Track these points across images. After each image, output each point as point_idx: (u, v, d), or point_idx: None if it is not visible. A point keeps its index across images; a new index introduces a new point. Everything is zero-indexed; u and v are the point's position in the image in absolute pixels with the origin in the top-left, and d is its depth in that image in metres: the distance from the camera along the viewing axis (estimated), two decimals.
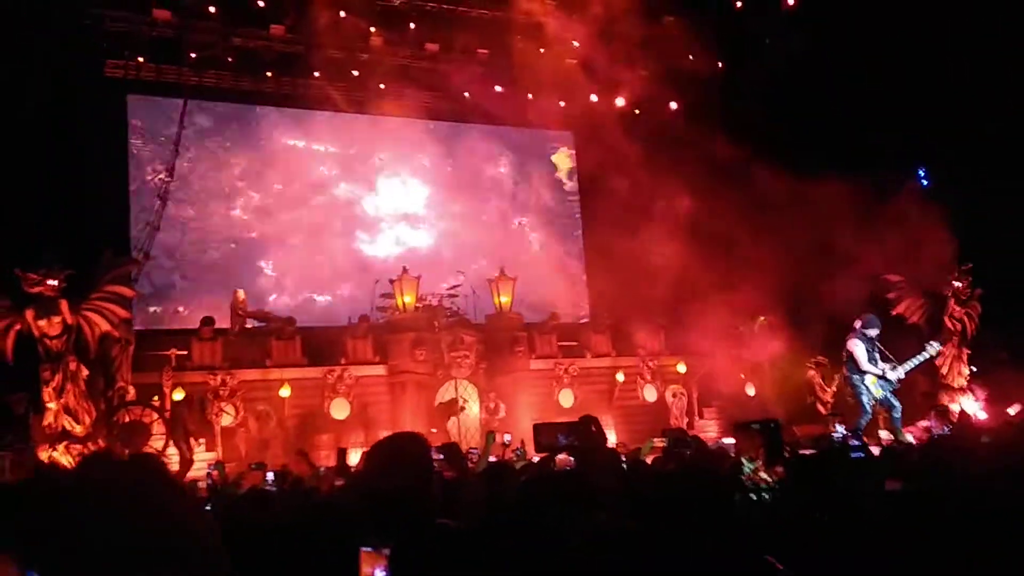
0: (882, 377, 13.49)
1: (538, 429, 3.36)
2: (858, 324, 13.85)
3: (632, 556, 2.77)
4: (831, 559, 2.81)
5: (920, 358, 13.67)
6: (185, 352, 15.27)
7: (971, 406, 15.11)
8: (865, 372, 13.52)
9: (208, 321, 15.78)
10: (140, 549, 1.08)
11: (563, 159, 22.54)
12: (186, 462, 12.99)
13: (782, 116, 16.95)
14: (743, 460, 2.88)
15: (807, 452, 6.09)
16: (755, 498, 2.83)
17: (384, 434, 3.00)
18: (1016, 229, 14.33)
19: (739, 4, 17.94)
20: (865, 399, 13.72)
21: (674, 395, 17.67)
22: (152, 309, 17.81)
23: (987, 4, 14.47)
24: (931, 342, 13.95)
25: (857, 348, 13.76)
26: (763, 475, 2.85)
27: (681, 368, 17.83)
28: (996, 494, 2.61)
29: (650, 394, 17.62)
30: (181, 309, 17.88)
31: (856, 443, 10.16)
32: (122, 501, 1.11)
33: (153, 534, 1.10)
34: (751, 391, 17.01)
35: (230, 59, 17.96)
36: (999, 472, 2.76)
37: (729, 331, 17.55)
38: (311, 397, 15.37)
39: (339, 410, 15.35)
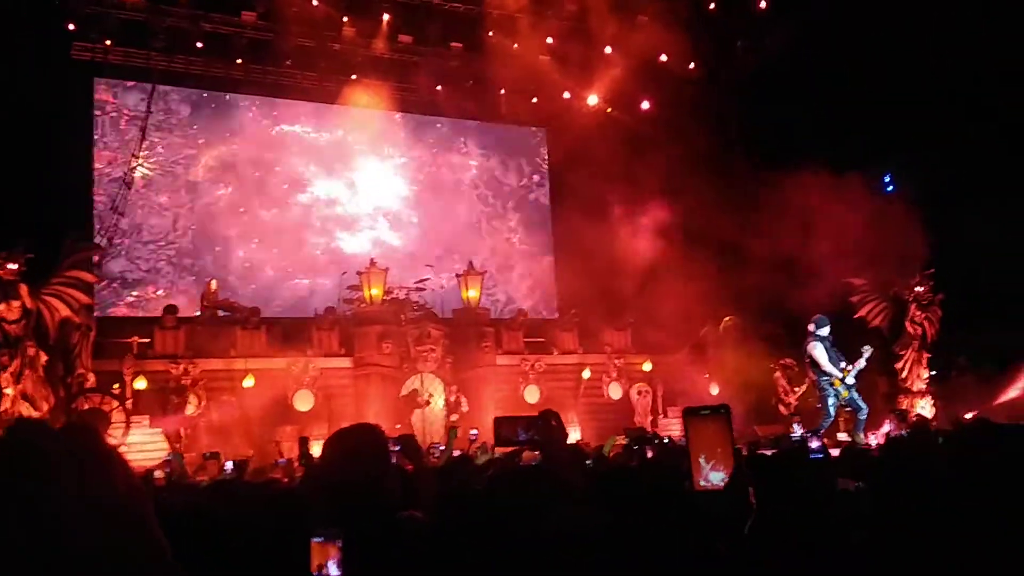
0: (843, 379, 13.69)
1: (499, 423, 3.35)
2: (811, 327, 14.07)
3: (596, 549, 2.78)
4: (785, 554, 2.83)
5: (861, 363, 13.92)
6: (147, 340, 15.09)
7: (929, 409, 15.38)
8: (829, 374, 13.71)
9: (171, 309, 15.61)
10: (69, 533, 1.00)
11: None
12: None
13: (755, 116, 17.09)
14: (700, 460, 2.87)
15: (766, 452, 6.15)
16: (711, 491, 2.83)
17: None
18: (980, 235, 14.56)
19: (712, 6, 18.02)
20: (831, 401, 13.91)
21: (639, 393, 17.78)
22: (135, 294, 17.66)
23: (967, 6, 14.60)
24: (865, 347, 14.19)
25: (816, 350, 13.95)
26: (720, 474, 2.84)
27: (647, 366, 17.94)
28: (951, 493, 2.64)
29: (615, 392, 17.70)
30: (160, 292, 17.72)
31: (815, 444, 10.29)
32: (50, 481, 1.03)
33: (85, 517, 1.02)
34: (715, 390, 17.14)
35: (200, 44, 17.72)
36: (954, 472, 2.80)
37: (695, 331, 17.69)
38: (275, 388, 15.22)
39: (303, 401, 15.23)
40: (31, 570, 0.98)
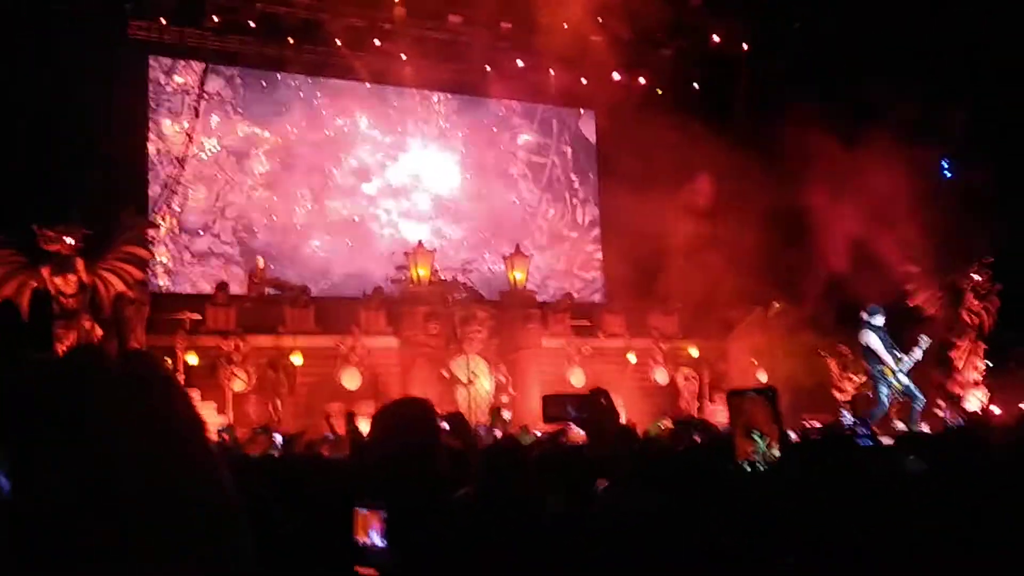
0: (896, 369, 13.47)
1: (547, 400, 3.32)
2: (864, 315, 13.83)
3: (640, 532, 2.75)
4: (837, 543, 2.77)
5: (917, 353, 13.64)
6: (199, 316, 15.34)
7: (985, 400, 15.05)
8: (884, 363, 13.48)
9: (223, 286, 15.86)
10: (128, 457, 0.96)
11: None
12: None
13: (808, 98, 16.71)
14: (754, 436, 2.82)
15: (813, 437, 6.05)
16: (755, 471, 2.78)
17: None
18: None
19: None
20: (884, 391, 13.69)
21: (685, 378, 17.63)
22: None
23: None
24: (922, 335, 13.90)
25: (871, 339, 13.72)
26: (776, 452, 2.79)
27: (693, 352, 17.78)
28: (1010, 482, 2.57)
29: (661, 376, 17.58)
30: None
31: (864, 431, 10.12)
32: (111, 402, 0.98)
33: (146, 442, 0.97)
34: (763, 377, 16.93)
35: (252, 24, 17.85)
36: (1013, 461, 2.72)
37: (743, 316, 17.48)
38: (323, 366, 15.40)
39: (350, 380, 15.38)
40: (83, 498, 0.95)
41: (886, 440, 8.51)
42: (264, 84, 19.18)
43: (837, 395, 16.20)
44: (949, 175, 18.31)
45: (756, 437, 2.79)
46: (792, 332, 16.75)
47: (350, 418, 8.51)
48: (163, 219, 17.44)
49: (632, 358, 17.47)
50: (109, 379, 1.00)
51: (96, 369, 1.01)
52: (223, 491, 1.02)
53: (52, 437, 0.95)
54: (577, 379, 16.68)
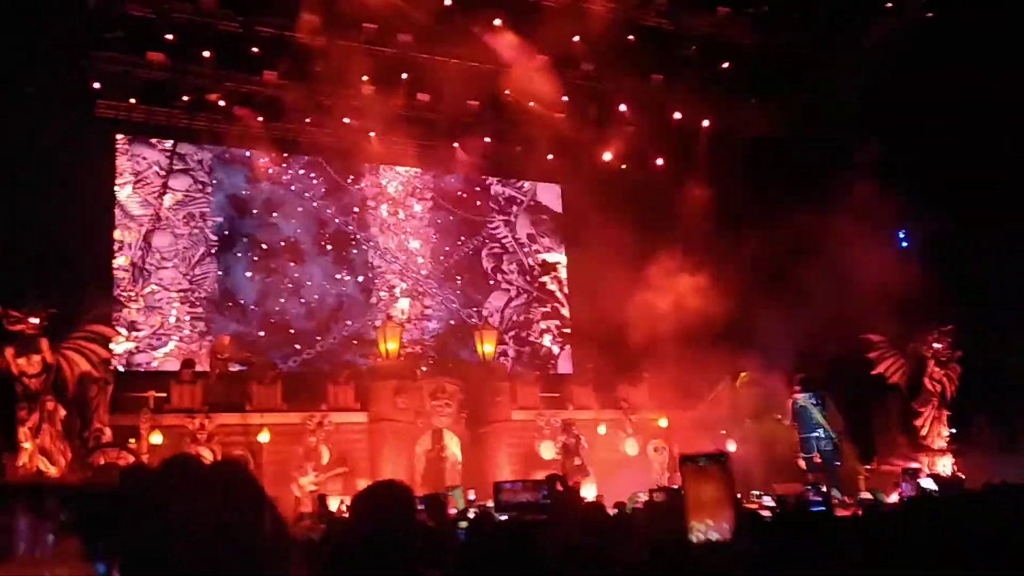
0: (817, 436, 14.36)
1: (499, 487, 3.33)
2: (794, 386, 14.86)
3: None
4: None
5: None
6: (164, 395, 15.14)
7: (950, 467, 15.20)
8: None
9: (188, 364, 15.71)
10: (217, 550, 1.10)
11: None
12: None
13: (769, 172, 17.15)
14: (697, 520, 2.82)
15: (764, 513, 6.05)
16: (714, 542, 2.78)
17: (363, 481, 2.99)
18: (1001, 293, 14.47)
19: (725, 64, 18.24)
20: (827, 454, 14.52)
21: (655, 449, 17.61)
22: (161, 352, 17.75)
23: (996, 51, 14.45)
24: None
25: (794, 405, 14.76)
26: (715, 535, 2.79)
27: (663, 422, 17.80)
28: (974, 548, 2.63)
29: (631, 448, 17.54)
30: (177, 343, 17.84)
31: (816, 497, 10.26)
32: (203, 504, 1.14)
33: (233, 537, 1.12)
34: (732, 447, 16.95)
35: (222, 103, 18.02)
36: (976, 530, 2.78)
37: (712, 386, 17.58)
38: (290, 443, 15.21)
39: (319, 456, 15.18)
40: None
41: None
42: (232, 161, 19.29)
43: (802, 464, 16.26)
44: (906, 245, 18.74)
45: (698, 522, 2.79)
46: (760, 402, 16.85)
47: (321, 500, 8.43)
48: (129, 297, 17.28)
49: (602, 429, 17.45)
50: (200, 484, 1.17)
51: (189, 476, 1.19)
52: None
53: (156, 533, 1.13)
54: (547, 452, 16.61)
